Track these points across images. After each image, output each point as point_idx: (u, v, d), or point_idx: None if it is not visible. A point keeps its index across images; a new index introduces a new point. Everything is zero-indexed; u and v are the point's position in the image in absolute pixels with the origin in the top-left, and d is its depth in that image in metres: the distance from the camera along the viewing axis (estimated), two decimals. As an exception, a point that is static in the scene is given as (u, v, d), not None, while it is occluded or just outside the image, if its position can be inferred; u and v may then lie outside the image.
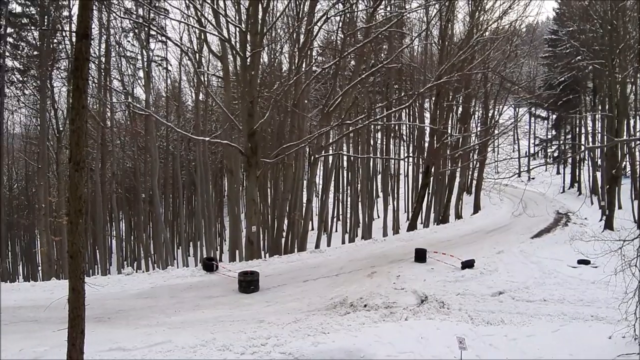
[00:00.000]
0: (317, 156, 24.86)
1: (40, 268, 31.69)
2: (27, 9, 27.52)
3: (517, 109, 46.52)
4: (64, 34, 26.00)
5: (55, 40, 26.46)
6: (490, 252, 17.54)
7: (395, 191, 38.86)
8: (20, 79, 28.65)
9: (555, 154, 47.95)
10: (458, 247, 18.28)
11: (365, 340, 8.64)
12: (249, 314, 10.71)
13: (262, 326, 9.67)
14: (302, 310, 11.02)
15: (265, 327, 9.62)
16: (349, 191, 40.14)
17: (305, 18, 20.54)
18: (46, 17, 26.52)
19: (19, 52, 28.18)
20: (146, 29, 27.83)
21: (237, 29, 19.33)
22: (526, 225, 23.69)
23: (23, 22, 27.46)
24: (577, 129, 42.48)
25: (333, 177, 34.11)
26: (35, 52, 27.25)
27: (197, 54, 27.93)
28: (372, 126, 33.16)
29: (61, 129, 27.23)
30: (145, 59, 28.98)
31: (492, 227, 25.07)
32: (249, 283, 12.59)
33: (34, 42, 27.45)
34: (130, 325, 9.74)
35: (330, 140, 26.71)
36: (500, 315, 10.41)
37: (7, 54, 27.03)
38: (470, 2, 28.80)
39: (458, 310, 10.78)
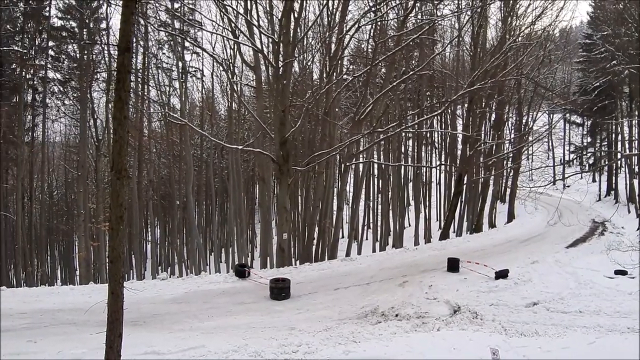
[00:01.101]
0: (348, 164, 24.90)
1: (78, 272, 32.75)
2: (67, 23, 28.70)
3: (551, 115, 45.44)
4: (102, 47, 26.97)
5: (94, 52, 27.48)
6: (525, 261, 17.16)
7: (427, 199, 38.52)
8: (61, 89, 29.85)
9: (591, 161, 46.58)
10: (491, 257, 17.95)
11: (396, 350, 8.60)
12: (280, 321, 10.80)
13: (293, 333, 9.73)
14: (333, 318, 11.04)
15: (297, 334, 9.68)
16: (379, 199, 39.96)
17: (337, 27, 20.70)
18: (85, 30, 27.60)
19: (60, 64, 29.38)
20: (181, 41, 28.55)
21: (270, 39, 19.65)
22: (561, 235, 23.08)
23: (63, 35, 28.63)
24: (613, 136, 41.20)
25: (364, 185, 34.07)
26: (75, 64, 28.36)
27: (230, 65, 28.48)
28: (404, 134, 33.01)
29: (100, 137, 28.17)
30: (180, 70, 29.77)
31: (526, 236, 24.53)
32: (280, 290, 12.69)
33: (74, 54, 28.58)
34: (164, 329, 9.96)
35: (361, 149, 26.73)
36: (535, 327, 10.17)
37: (48, 66, 28.22)
38: (502, 8, 28.43)
39: (491, 321, 10.60)
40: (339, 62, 22.44)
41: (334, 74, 21.48)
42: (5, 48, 24.37)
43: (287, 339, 9.31)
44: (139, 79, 28.85)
